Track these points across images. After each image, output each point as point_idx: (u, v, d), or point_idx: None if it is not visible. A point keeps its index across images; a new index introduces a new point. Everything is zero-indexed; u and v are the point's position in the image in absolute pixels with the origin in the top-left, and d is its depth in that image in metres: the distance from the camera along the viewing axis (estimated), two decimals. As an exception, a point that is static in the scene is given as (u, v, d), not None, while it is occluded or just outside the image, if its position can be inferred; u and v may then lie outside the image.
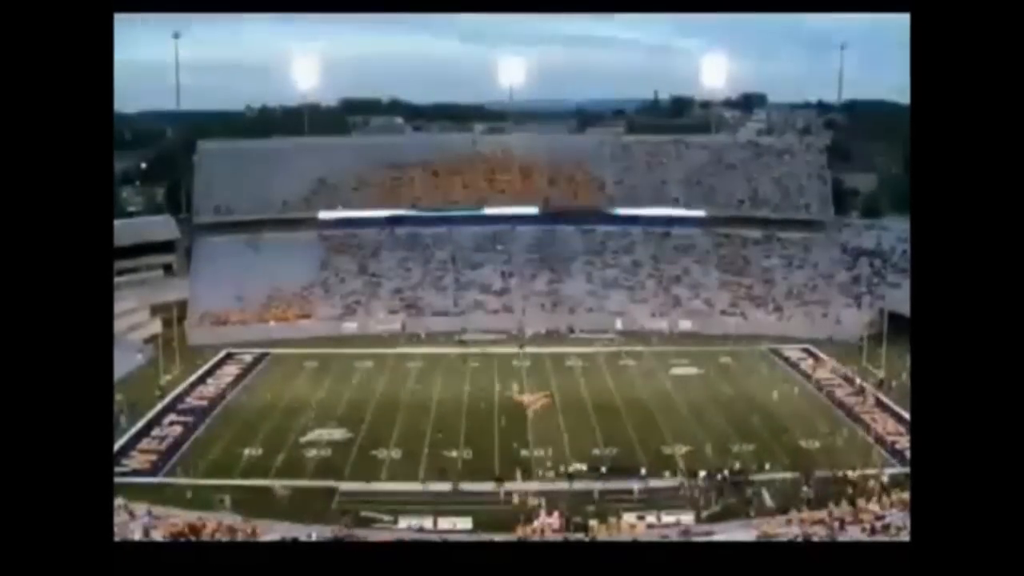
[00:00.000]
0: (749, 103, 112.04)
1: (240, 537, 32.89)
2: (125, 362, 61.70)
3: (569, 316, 79.65)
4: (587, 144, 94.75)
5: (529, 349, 70.51)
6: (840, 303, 79.44)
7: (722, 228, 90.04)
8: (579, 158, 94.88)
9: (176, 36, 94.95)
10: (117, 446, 47.00)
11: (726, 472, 43.19)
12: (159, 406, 56.15)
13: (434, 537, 34.96)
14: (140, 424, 52.38)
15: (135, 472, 44.55)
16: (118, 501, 34.16)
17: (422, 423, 52.27)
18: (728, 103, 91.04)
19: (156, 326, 67.82)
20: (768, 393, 58.40)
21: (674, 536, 35.47)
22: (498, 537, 35.13)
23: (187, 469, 45.40)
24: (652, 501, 40.49)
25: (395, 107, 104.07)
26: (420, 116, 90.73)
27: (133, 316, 73.98)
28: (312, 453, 47.90)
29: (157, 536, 30.74)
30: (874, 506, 36.76)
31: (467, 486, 42.64)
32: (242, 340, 73.12)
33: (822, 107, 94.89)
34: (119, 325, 67.69)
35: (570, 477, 43.66)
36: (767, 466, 44.61)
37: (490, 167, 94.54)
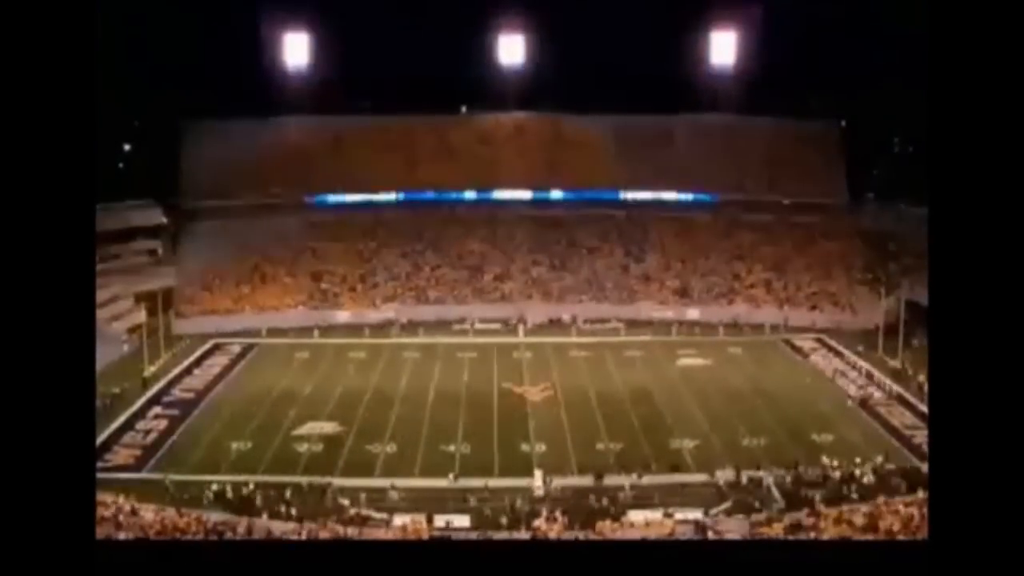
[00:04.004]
0: (762, 82, 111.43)
1: (228, 535, 32.93)
2: (108, 353, 61.71)
3: (572, 304, 79.68)
4: (591, 124, 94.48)
5: (530, 339, 70.69)
6: (855, 291, 79.49)
7: (732, 212, 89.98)
8: (583, 138, 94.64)
9: (161, 14, 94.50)
10: (99, 441, 47.02)
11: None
12: (143, 399, 56.21)
13: (430, 535, 35.02)
14: (123, 418, 52.45)
15: (118, 468, 44.54)
16: (100, 498, 34.20)
17: (418, 416, 52.31)
18: (740, 82, 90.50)
19: (140, 315, 67.93)
20: (779, 385, 58.44)
21: (680, 534, 35.51)
22: (497, 535, 35.20)
23: (173, 465, 45.45)
24: (657, 498, 40.54)
25: (391, 86, 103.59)
26: (417, 94, 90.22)
27: (117, 305, 74.00)
28: (304, 448, 47.98)
29: (139, 534, 30.77)
30: (889, 503, 36.78)
31: (465, 482, 42.73)
32: (230, 330, 73.23)
33: (837, 87, 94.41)
34: (102, 314, 67.80)
35: (573, 473, 43.70)
36: (777, 461, 44.66)
37: (491, 148, 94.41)
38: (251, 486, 41.36)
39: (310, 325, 75.06)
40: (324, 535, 34.44)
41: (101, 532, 28.39)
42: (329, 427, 50.98)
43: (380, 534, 36.07)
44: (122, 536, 30.51)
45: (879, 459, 44.12)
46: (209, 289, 79.27)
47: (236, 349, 68.95)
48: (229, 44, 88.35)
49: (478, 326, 74.95)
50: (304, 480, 42.55)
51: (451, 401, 54.98)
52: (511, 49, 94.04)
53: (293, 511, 38.52)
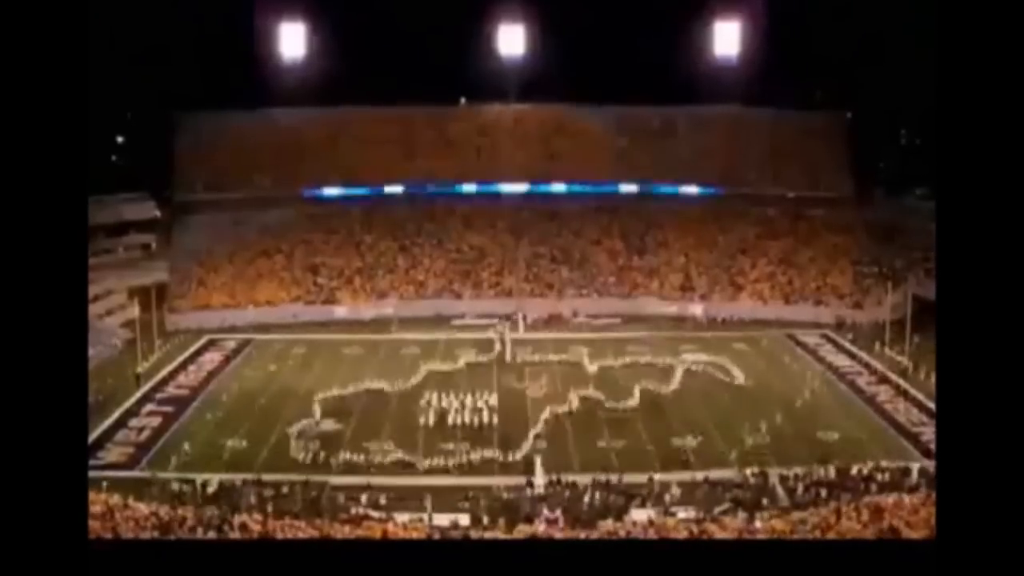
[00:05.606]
0: (766, 74, 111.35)
1: (222, 534, 32.89)
2: (101, 349, 61.79)
3: (573, 299, 79.67)
4: (593, 115, 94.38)
5: (530, 335, 70.63)
6: (862, 285, 79.44)
7: (736, 205, 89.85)
8: (584, 130, 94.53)
9: (154, 5, 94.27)
10: (92, 438, 47.04)
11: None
12: (137, 395, 56.22)
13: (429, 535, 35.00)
14: (116, 415, 52.44)
15: (111, 466, 44.53)
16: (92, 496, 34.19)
17: (416, 414, 52.26)
18: (744, 73, 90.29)
19: (134, 310, 67.99)
20: (783, 381, 58.39)
21: (681, 534, 35.48)
22: (497, 535, 35.18)
23: (167, 463, 45.42)
24: (660, 497, 40.55)
25: (389, 76, 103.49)
26: (415, 85, 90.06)
27: (110, 299, 74.13)
28: (301, 445, 47.92)
29: (132, 534, 30.77)
30: (895, 501, 36.76)
31: (465, 480, 42.76)
32: (225, 325, 73.30)
33: (843, 78, 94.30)
34: (95, 309, 67.88)
35: (574, 471, 43.67)
36: (782, 459, 44.66)
37: (490, 140, 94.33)
38: (247, 484, 41.36)
39: (306, 320, 75.11)
40: (321, 534, 34.40)
41: (93, 531, 28.38)
42: (326, 425, 50.99)
43: (379, 533, 36.05)
44: (115, 535, 30.48)
45: (885, 457, 44.14)
46: (204, 284, 79.24)
47: (231, 345, 68.95)
48: (224, 34, 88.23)
49: (477, 321, 74.92)
50: (300, 478, 42.52)
51: (450, 398, 54.87)
52: (511, 39, 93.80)
53: (289, 510, 38.46)
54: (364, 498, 40.16)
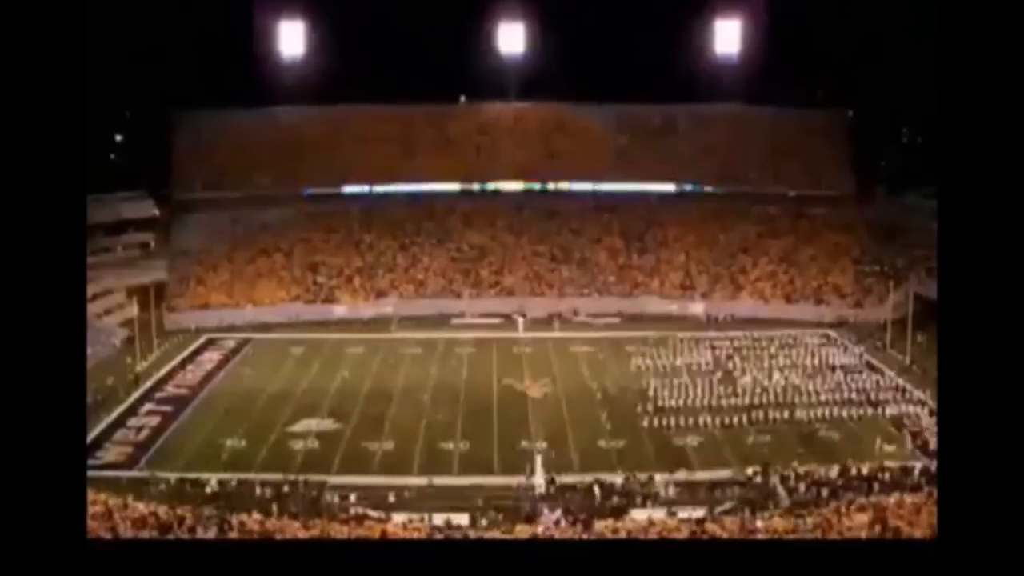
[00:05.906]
0: (767, 72, 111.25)
1: (221, 534, 32.87)
2: (100, 348, 61.78)
3: (573, 298, 79.65)
4: (593, 113, 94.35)
5: (530, 334, 70.61)
6: (863, 284, 79.42)
7: (737, 204, 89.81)
8: (584, 128, 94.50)
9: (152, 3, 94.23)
10: (90, 438, 47.03)
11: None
12: (135, 395, 56.22)
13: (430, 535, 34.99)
14: (115, 414, 52.44)
15: (110, 466, 44.53)
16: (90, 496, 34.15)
17: (416, 413, 52.29)
18: (745, 71, 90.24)
19: (133, 309, 68.01)
20: (784, 380, 58.34)
21: (682, 533, 35.45)
22: (497, 535, 35.17)
23: (165, 462, 45.42)
24: (660, 497, 40.55)
25: (389, 75, 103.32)
26: (415, 83, 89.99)
27: (108, 298, 74.09)
28: (299, 445, 47.96)
29: (131, 534, 30.74)
30: (897, 501, 36.74)
31: (465, 480, 42.77)
32: (224, 324, 73.27)
33: (843, 77, 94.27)
34: (93, 308, 67.83)
35: (574, 471, 43.67)
36: (783, 459, 44.65)
37: (490, 138, 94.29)
38: (245, 484, 41.35)
39: (306, 319, 75.09)
40: (321, 534, 34.36)
41: (92, 531, 28.35)
42: (325, 424, 51.00)
43: (378, 533, 36.03)
44: (114, 535, 30.42)
45: (886, 456, 44.13)
46: (202, 283, 79.23)
47: (230, 344, 68.95)
48: (223, 33, 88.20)
49: (477, 320, 74.91)
50: (300, 478, 42.52)
51: (450, 398, 54.95)
52: (511, 37, 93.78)
53: (288, 510, 38.47)
54: (363, 498, 40.11)
